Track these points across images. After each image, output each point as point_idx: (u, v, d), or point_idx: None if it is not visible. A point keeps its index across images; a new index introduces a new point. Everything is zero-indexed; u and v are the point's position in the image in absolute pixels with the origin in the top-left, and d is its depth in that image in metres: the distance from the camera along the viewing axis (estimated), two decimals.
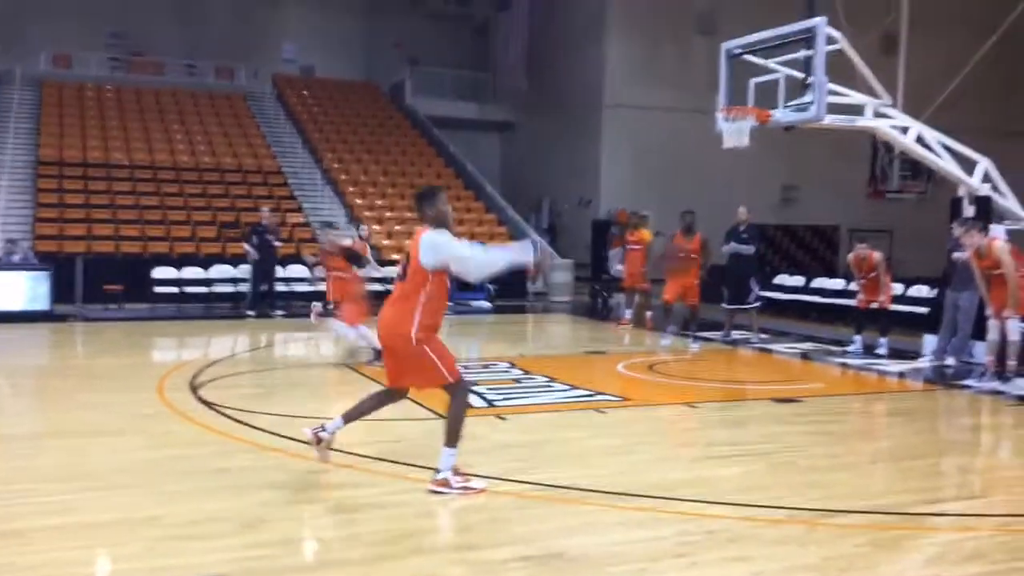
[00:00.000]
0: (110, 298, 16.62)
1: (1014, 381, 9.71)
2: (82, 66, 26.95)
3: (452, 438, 5.56)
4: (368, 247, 12.87)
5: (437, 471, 5.54)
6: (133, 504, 5.26)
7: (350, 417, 5.89)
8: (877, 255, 12.46)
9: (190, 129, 24.74)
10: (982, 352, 10.49)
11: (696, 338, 12.52)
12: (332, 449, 5.91)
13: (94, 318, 15.32)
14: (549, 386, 9.45)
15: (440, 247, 5.47)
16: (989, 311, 10.09)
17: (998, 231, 11.59)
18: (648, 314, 15.01)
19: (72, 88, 25.48)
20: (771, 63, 11.81)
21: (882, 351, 12.21)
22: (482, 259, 5.56)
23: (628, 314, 15.21)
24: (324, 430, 5.82)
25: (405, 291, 5.55)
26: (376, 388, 6.37)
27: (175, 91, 26.84)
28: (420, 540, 4.74)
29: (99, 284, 16.70)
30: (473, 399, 8.56)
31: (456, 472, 5.55)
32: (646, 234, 15.47)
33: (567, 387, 9.37)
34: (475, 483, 5.57)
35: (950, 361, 11.35)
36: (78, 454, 6.43)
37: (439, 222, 5.60)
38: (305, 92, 28.71)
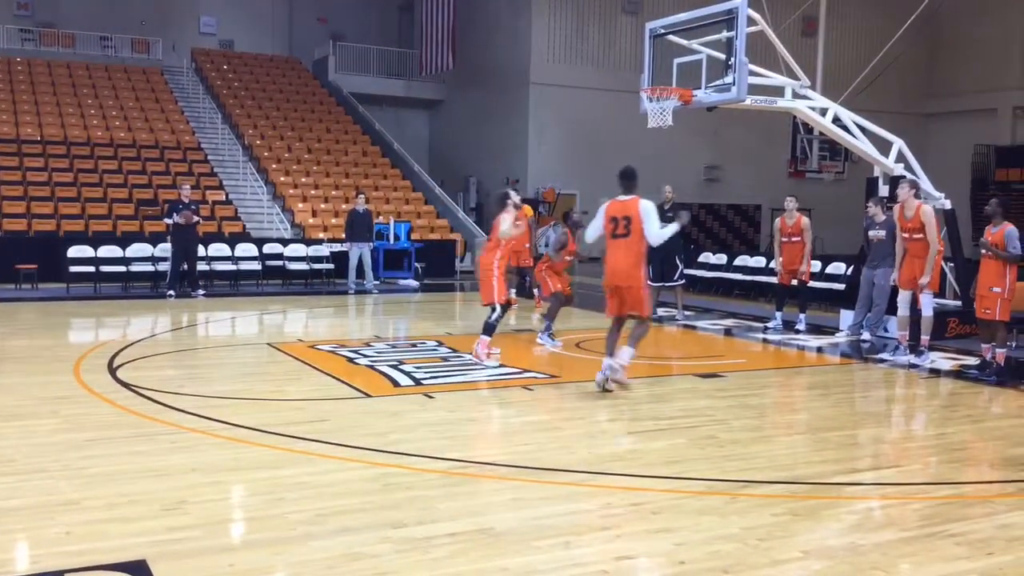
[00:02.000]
0: (23, 278, 16.09)
1: (927, 354, 10.04)
2: None
3: (636, 344, 7.89)
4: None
5: (621, 366, 7.74)
6: (50, 488, 5.12)
7: (612, 351, 7.82)
8: (805, 219, 12.64)
9: (105, 104, 23.99)
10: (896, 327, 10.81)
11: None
12: None
13: (6, 298, 14.80)
14: (477, 364, 9.46)
15: (651, 215, 7.68)
16: (894, 277, 10.36)
17: None
18: (513, 292, 14.90)
19: None
20: (694, 44, 11.96)
21: (801, 327, 12.51)
22: (664, 233, 7.79)
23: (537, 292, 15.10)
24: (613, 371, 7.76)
25: (632, 245, 7.70)
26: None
27: (89, 65, 25.98)
28: (347, 519, 4.71)
29: (11, 263, 16.17)
30: (401, 377, 8.56)
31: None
32: (528, 209, 15.50)
33: (495, 365, 9.40)
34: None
35: (866, 336, 11.71)
36: None
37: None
38: (225, 67, 28.07)
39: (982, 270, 9.59)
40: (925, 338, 10.09)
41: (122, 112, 23.75)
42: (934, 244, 9.90)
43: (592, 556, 4.27)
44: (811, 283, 13.24)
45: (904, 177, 11.09)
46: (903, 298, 10.24)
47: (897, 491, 5.54)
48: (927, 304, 10.12)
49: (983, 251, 9.56)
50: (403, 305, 16.19)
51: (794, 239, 12.53)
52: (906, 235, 10.14)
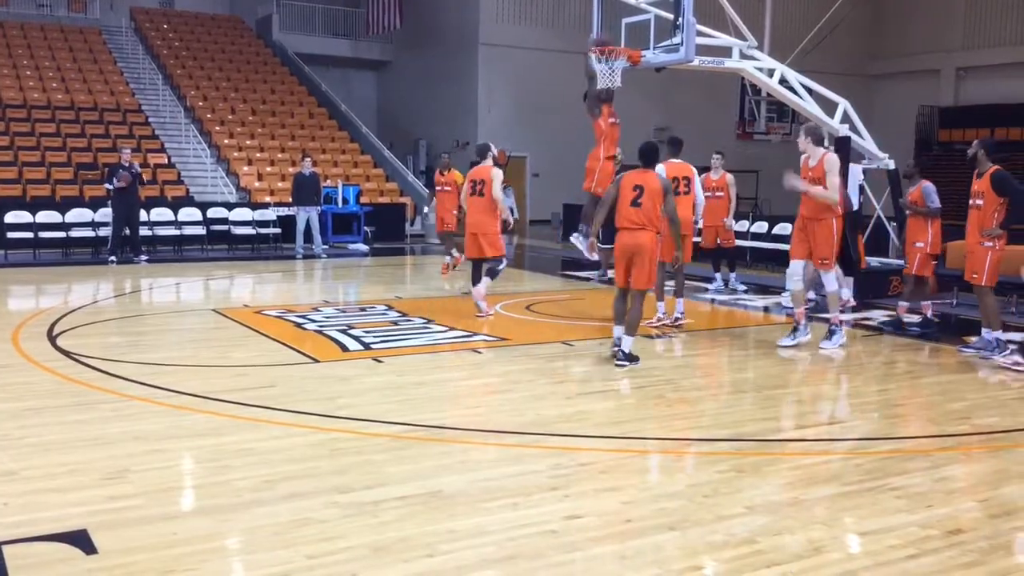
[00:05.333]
0: None
1: (839, 333, 8.94)
2: None
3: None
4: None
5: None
6: None
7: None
8: (729, 176, 12.58)
9: (41, 65, 23.22)
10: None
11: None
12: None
13: None
14: (426, 328, 9.43)
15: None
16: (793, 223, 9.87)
17: (856, 170, 12.11)
18: (448, 259, 14.44)
19: None
20: (642, 3, 11.88)
21: (739, 286, 12.64)
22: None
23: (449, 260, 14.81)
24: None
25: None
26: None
27: (23, 24, 25.10)
28: (294, 485, 4.67)
29: None
30: (349, 342, 8.49)
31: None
32: (457, 175, 15.25)
33: (444, 328, 9.37)
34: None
35: (811, 295, 11.85)
36: None
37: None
38: (165, 26, 27.33)
39: (908, 228, 9.95)
40: (835, 315, 8.81)
41: (59, 73, 23.03)
42: (833, 193, 8.26)
43: (541, 516, 4.29)
44: (756, 244, 13.34)
45: (804, 125, 9.27)
46: (794, 268, 8.70)
47: (839, 447, 5.64)
48: (829, 280, 8.68)
49: (906, 211, 9.85)
50: (352, 269, 16.05)
51: (718, 193, 12.41)
52: (810, 184, 8.46)
